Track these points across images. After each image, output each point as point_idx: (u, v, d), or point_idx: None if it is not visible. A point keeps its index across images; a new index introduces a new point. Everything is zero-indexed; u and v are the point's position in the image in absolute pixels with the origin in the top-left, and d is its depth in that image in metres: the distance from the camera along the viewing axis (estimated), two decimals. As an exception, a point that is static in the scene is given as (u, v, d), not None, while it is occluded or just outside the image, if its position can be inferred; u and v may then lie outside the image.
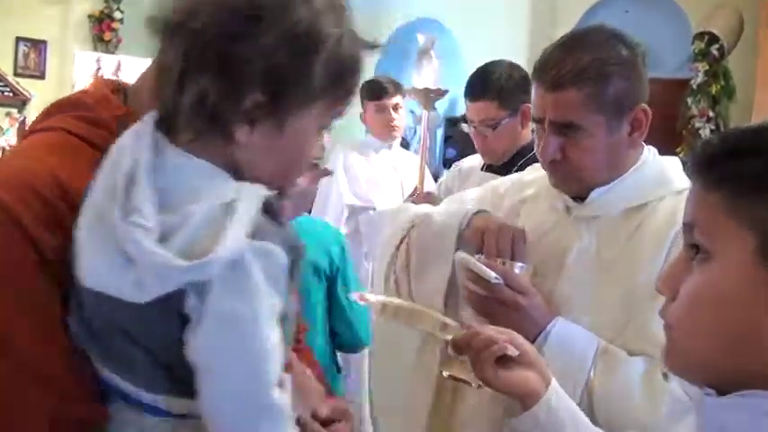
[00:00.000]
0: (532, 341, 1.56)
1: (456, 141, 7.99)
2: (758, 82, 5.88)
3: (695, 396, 0.99)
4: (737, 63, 6.23)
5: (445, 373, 1.52)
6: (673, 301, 0.98)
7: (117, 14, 7.76)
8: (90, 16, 7.80)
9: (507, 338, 1.33)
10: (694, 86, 6.35)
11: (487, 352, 1.31)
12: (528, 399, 1.30)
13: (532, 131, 2.01)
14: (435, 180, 4.07)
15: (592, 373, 1.55)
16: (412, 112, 6.79)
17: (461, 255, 1.66)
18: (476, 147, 3.05)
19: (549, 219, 1.80)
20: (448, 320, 1.50)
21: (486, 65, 3.01)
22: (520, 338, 1.35)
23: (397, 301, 1.70)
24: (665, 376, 1.51)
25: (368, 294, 1.80)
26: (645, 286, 1.55)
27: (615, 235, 1.68)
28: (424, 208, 2.08)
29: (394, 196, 4.03)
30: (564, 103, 1.63)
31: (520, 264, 1.65)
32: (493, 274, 1.57)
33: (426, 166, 4.16)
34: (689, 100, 6.38)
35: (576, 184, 1.72)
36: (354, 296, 2.60)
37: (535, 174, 1.94)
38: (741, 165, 0.92)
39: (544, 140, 1.68)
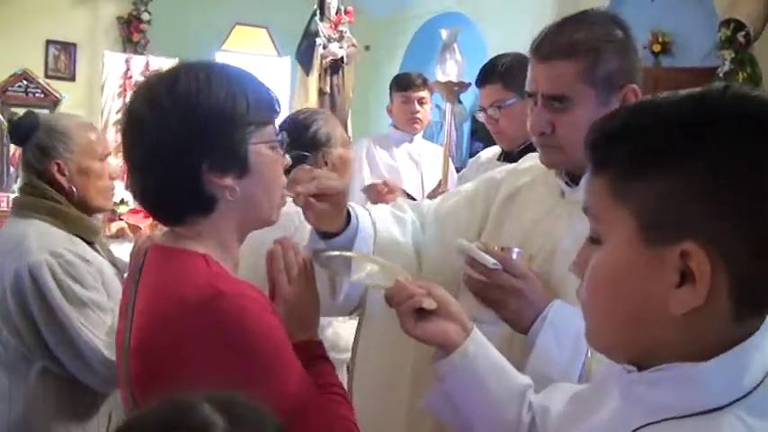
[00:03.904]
0: (530, 324, 1.62)
1: (482, 135, 8.01)
2: (784, 69, 5.86)
3: (615, 373, 1.03)
4: (764, 50, 6.19)
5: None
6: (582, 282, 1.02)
7: (145, 16, 7.88)
8: (119, 18, 7.93)
9: (425, 292, 1.43)
10: (721, 74, 6.31)
11: (406, 304, 1.43)
12: (447, 347, 1.42)
13: None
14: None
15: (589, 354, 1.58)
16: (437, 106, 6.83)
17: (462, 242, 1.68)
18: (491, 133, 3.10)
19: (545, 204, 1.85)
20: (397, 269, 1.57)
21: (493, 57, 3.10)
22: (440, 291, 1.45)
23: (346, 253, 1.74)
24: None
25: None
26: None
27: None
28: None
29: (414, 188, 4.09)
30: (556, 74, 1.69)
31: (517, 249, 1.68)
32: (492, 260, 1.61)
33: (450, 160, 4.21)
34: (716, 88, 6.34)
35: (562, 159, 1.76)
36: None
37: (530, 162, 1.99)
38: (617, 148, 0.96)
39: (535, 114, 1.74)
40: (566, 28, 1.72)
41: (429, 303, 1.41)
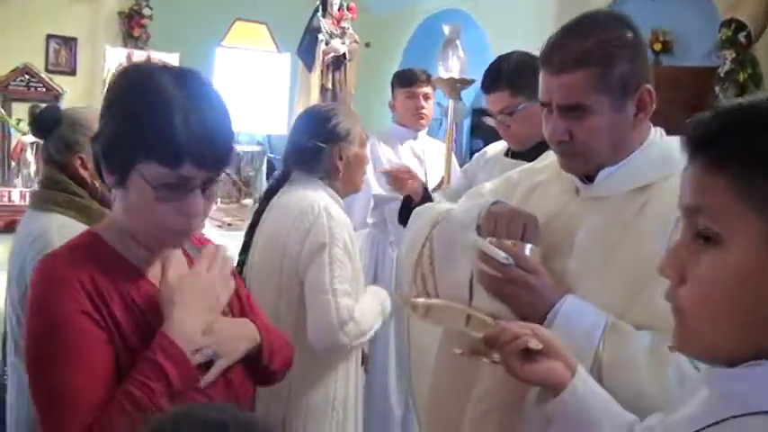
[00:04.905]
0: (543, 318, 1.63)
1: (482, 132, 8.00)
2: (786, 69, 5.87)
3: (705, 368, 1.02)
4: (765, 50, 6.19)
5: (457, 350, 1.57)
6: (679, 284, 0.98)
7: (146, 11, 7.87)
8: (120, 13, 7.91)
9: (530, 332, 1.40)
10: (722, 74, 6.32)
11: (512, 346, 1.40)
12: (555, 387, 1.38)
13: None
14: (462, 170, 4.10)
15: (600, 348, 1.59)
16: (438, 103, 6.84)
17: (473, 237, 1.73)
18: (502, 137, 3.09)
19: (560, 201, 1.86)
20: (482, 316, 1.59)
21: (497, 58, 3.03)
22: (544, 331, 1.43)
23: (434, 300, 1.79)
24: (672, 349, 1.54)
25: (411, 296, 1.89)
26: (650, 264, 1.60)
27: (622, 214, 1.72)
28: (446, 205, 2.14)
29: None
30: (569, 85, 1.68)
31: (529, 245, 1.70)
32: (503, 255, 1.62)
33: (453, 156, 4.22)
34: (716, 88, 6.35)
35: (583, 164, 1.77)
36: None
37: (546, 161, 2.02)
38: (748, 142, 0.91)
39: (552, 123, 1.74)
40: (574, 36, 1.71)
41: (535, 344, 1.38)
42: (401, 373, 4.21)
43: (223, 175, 1.58)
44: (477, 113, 8.56)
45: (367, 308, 2.69)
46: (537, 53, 3.00)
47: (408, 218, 3.07)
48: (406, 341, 2.48)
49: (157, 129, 1.46)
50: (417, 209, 2.26)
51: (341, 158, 2.76)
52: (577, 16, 1.76)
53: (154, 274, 1.61)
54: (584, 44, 1.67)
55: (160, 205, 1.50)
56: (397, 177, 3.45)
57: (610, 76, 1.66)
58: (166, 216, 1.52)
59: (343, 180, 2.81)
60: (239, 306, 1.81)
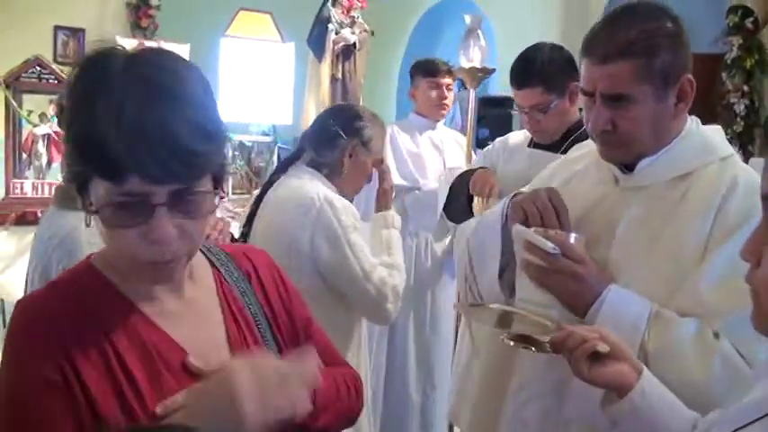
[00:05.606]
0: (588, 307, 1.66)
1: (488, 122, 8.01)
2: (793, 55, 5.88)
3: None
4: (772, 36, 6.22)
5: (509, 342, 1.60)
6: (757, 267, 1.03)
7: (154, 1, 7.84)
8: (128, 4, 7.88)
9: (597, 336, 1.43)
10: (729, 61, 6.34)
11: (580, 350, 1.42)
12: (621, 389, 1.41)
13: (580, 110, 2.08)
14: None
15: (646, 336, 1.61)
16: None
17: (518, 227, 1.73)
18: (528, 129, 3.12)
19: (598, 191, 1.88)
20: (547, 322, 1.60)
21: (527, 51, 3.03)
22: (610, 335, 1.45)
23: (495, 306, 1.80)
24: (717, 336, 1.58)
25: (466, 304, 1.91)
26: (692, 252, 1.66)
27: (663, 203, 1.75)
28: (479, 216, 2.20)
29: (437, 175, 4.10)
30: (613, 75, 1.70)
31: (574, 234, 1.71)
32: (550, 245, 1.64)
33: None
34: (723, 75, 6.38)
35: (623, 153, 1.80)
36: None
37: (580, 151, 2.05)
38: None
39: (595, 112, 1.75)
40: (617, 26, 1.73)
41: (603, 347, 1.41)
42: (420, 361, 4.25)
43: (208, 186, 1.25)
44: (483, 103, 8.58)
45: (395, 261, 2.76)
46: (551, 43, 3.06)
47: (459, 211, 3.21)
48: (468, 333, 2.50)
49: (86, 127, 1.15)
50: (459, 227, 2.30)
51: (350, 156, 2.78)
52: (619, 6, 1.79)
53: (151, 307, 1.32)
54: (627, 34, 1.70)
55: (117, 232, 1.22)
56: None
57: (653, 66, 1.69)
58: (130, 244, 1.22)
59: (344, 179, 2.82)
60: (294, 339, 1.53)
